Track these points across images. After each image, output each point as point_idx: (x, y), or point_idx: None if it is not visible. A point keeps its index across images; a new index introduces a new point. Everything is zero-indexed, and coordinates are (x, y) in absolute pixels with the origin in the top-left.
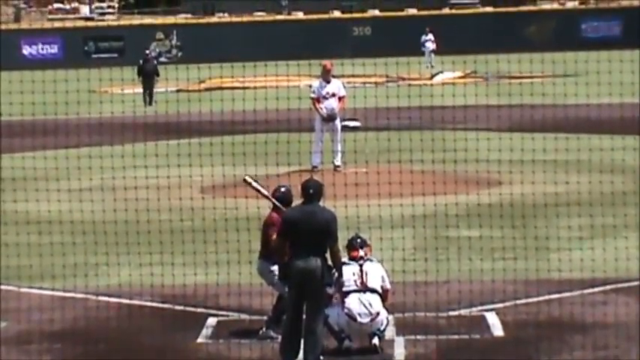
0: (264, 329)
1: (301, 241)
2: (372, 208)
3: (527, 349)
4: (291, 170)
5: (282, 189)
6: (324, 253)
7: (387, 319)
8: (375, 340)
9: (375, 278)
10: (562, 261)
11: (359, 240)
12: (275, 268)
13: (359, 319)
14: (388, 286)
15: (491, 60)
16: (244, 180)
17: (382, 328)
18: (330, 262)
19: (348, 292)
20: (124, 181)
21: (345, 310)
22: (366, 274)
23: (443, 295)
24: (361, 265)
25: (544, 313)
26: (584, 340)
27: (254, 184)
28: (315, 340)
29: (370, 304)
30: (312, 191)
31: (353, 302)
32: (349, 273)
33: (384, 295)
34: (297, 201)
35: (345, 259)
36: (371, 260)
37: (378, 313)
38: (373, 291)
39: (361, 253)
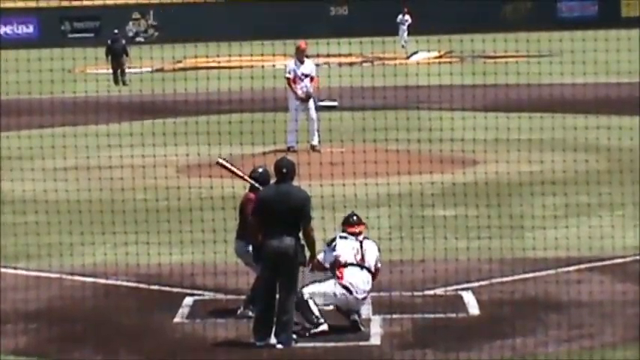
0: (242, 309)
1: (275, 220)
2: (348, 187)
3: (503, 328)
4: (266, 150)
5: (260, 169)
6: (298, 232)
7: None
8: (355, 317)
9: (372, 258)
10: (537, 240)
11: (355, 217)
12: (251, 248)
13: (354, 293)
14: (379, 265)
15: (466, 40)
16: (217, 162)
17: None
18: (303, 242)
19: (347, 265)
20: (99, 161)
21: (344, 282)
22: (365, 251)
23: (419, 274)
24: (361, 242)
25: (519, 291)
26: (559, 318)
27: (228, 165)
28: (288, 318)
29: (366, 282)
30: (286, 170)
31: (353, 276)
32: (349, 247)
33: (375, 274)
34: (272, 180)
35: (341, 233)
36: (369, 239)
37: (369, 293)
38: (369, 270)
39: (357, 229)
